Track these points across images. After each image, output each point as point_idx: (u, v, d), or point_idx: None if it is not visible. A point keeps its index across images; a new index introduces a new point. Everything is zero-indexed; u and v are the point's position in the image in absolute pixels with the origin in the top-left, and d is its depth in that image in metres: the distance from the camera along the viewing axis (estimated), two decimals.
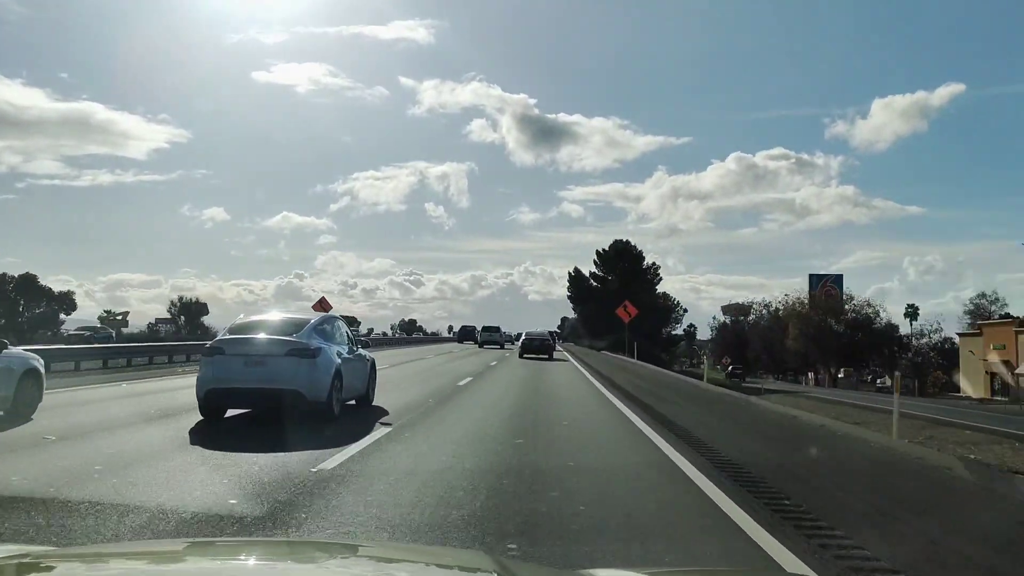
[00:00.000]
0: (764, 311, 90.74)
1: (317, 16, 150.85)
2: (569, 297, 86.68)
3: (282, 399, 10.44)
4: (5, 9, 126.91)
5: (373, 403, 13.34)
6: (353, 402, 12.87)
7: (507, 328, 65.34)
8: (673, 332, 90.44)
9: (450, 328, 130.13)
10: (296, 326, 11.10)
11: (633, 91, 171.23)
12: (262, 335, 10.77)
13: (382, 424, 10.74)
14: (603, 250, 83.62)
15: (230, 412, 11.15)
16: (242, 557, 2.20)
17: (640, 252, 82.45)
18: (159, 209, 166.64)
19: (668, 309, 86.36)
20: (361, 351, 13.22)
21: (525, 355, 35.34)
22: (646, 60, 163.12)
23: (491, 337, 54.85)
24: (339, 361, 11.30)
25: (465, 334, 66.07)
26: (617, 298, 50.07)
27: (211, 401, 10.63)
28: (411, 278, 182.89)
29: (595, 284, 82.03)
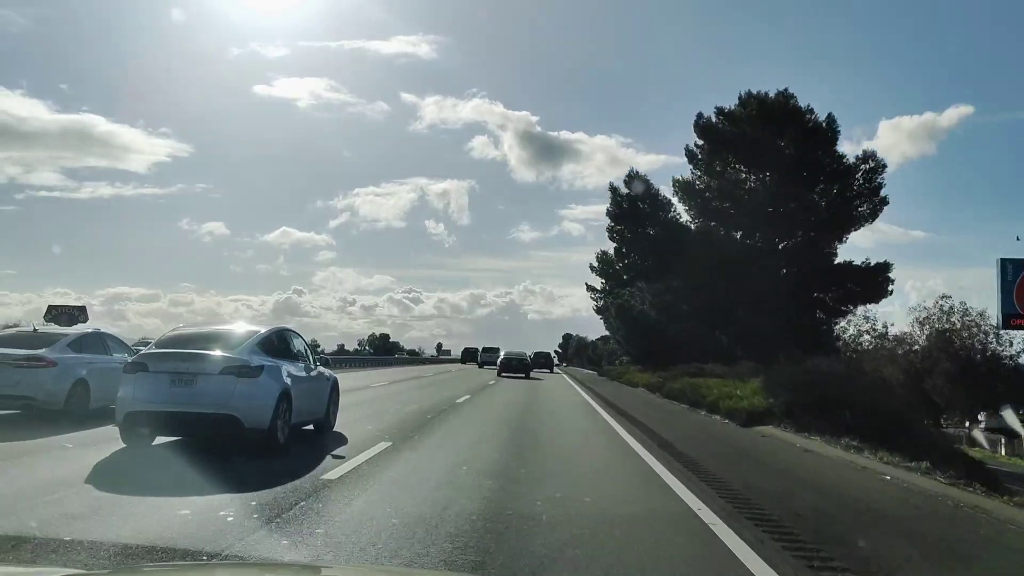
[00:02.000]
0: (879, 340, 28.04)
1: (319, 30, 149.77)
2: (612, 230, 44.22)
3: (215, 426, 8.83)
4: (7, 20, 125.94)
5: (334, 428, 11.75)
6: (312, 427, 11.30)
7: (510, 349, 68.70)
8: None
9: (439, 346, 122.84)
10: (237, 339, 9.49)
11: (637, 110, 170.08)
12: (195, 349, 9.15)
13: (334, 457, 9.12)
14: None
15: (160, 439, 9.54)
16: None
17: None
18: (159, 223, 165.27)
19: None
20: (321, 369, 11.62)
21: (504, 374, 39.06)
22: (650, 79, 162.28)
23: (490, 358, 58.08)
24: (288, 381, 9.68)
25: (468, 355, 67.58)
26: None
27: (132, 426, 9.01)
28: (410, 295, 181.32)
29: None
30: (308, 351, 11.43)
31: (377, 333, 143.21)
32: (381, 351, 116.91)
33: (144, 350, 9.29)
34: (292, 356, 10.47)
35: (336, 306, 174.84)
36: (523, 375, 39.26)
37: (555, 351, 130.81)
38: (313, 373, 11.06)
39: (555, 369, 62.80)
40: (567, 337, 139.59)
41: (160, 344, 9.59)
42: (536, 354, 57.89)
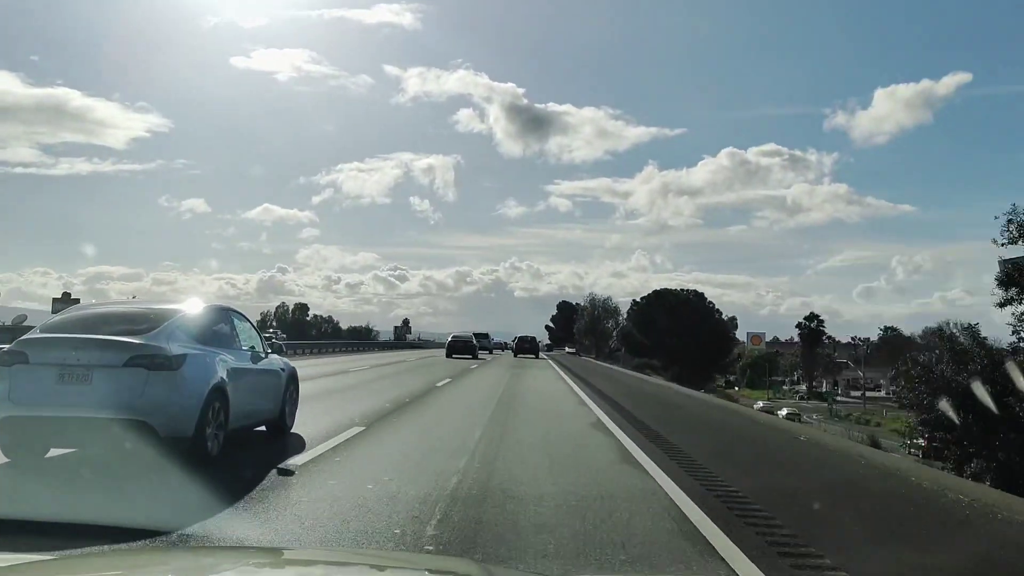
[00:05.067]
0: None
1: None
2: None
3: (117, 435, 6.68)
4: None
5: (291, 430, 9.63)
6: (263, 428, 9.19)
7: (498, 332, 68.20)
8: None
9: (403, 326, 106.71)
10: (153, 321, 7.29)
11: (626, 80, 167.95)
12: (92, 335, 6.95)
13: (281, 473, 7.01)
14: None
15: (55, 450, 7.40)
16: (227, 566, 2.13)
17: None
18: (139, 199, 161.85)
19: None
20: (273, 358, 9.48)
21: (453, 355, 40.78)
22: (640, 49, 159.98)
23: (481, 344, 60.38)
24: (223, 374, 7.54)
25: (457, 347, 44.30)
26: None
27: (10, 435, 6.85)
28: (396, 273, 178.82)
29: None
30: (257, 336, 9.27)
31: (290, 305, 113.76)
32: (296, 333, 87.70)
33: (27, 335, 7.11)
34: (232, 342, 8.31)
35: (321, 284, 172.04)
36: (470, 356, 40.91)
37: (547, 326, 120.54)
38: (261, 363, 8.92)
39: (541, 354, 56.94)
40: (565, 308, 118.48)
41: (47, 328, 7.37)
42: (519, 339, 54.98)
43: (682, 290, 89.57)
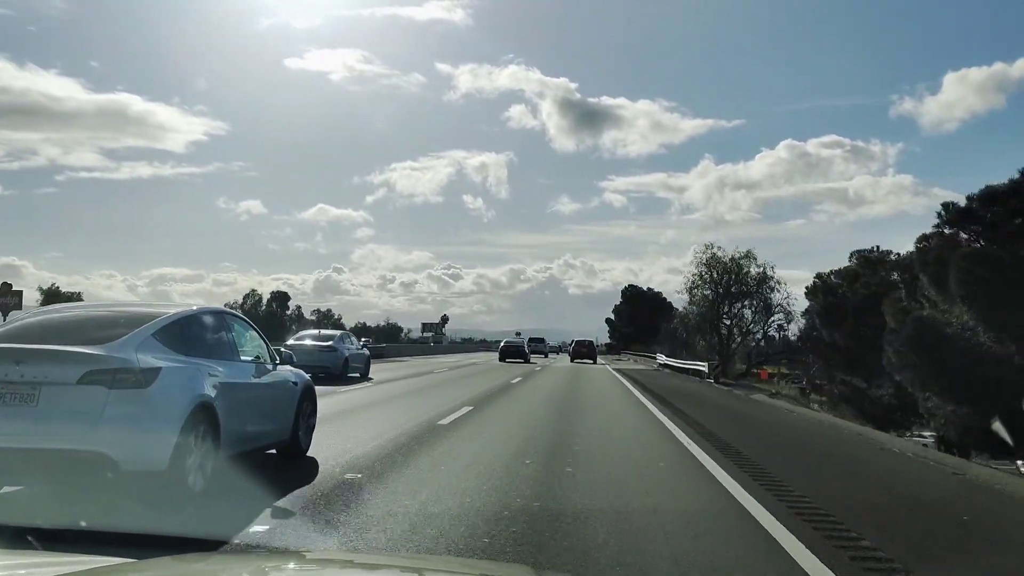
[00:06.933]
0: None
1: None
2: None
3: (71, 469, 5.36)
4: (46, 4, 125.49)
5: (307, 453, 8.27)
6: (274, 451, 7.86)
7: (552, 331, 65.29)
8: None
9: (426, 326, 77.37)
10: (122, 328, 5.96)
11: (681, 71, 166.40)
12: (41, 345, 5.64)
13: (274, 516, 5.62)
14: None
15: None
16: (275, 571, 2.05)
17: None
18: (198, 202, 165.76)
19: None
20: (284, 371, 8.13)
21: (506, 359, 43.14)
22: (695, 38, 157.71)
23: (537, 348, 61.48)
24: (211, 390, 6.18)
25: (510, 352, 45.59)
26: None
27: None
28: (449, 272, 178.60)
29: None
30: (264, 344, 7.93)
31: (264, 295, 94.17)
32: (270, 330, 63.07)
33: None
34: (227, 351, 6.96)
35: (376, 284, 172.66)
36: (521, 360, 43.87)
37: (609, 319, 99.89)
38: (267, 377, 7.57)
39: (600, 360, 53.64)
40: (635, 297, 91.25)
41: None
42: (576, 343, 54.00)
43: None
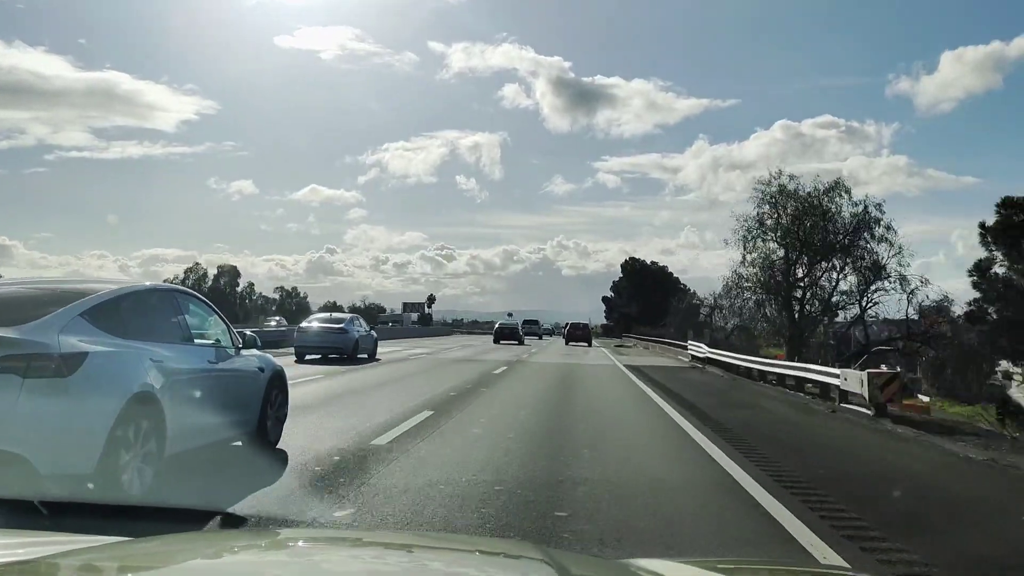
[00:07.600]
0: None
1: None
2: None
3: None
4: None
5: (277, 445, 7.46)
6: (240, 443, 7.05)
7: (546, 312, 64.73)
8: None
9: (406, 306, 77.50)
10: (43, 306, 5.10)
11: (676, 51, 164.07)
12: None
13: (227, 523, 4.80)
14: None
15: None
16: (280, 547, 2.00)
17: None
18: (189, 182, 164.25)
19: None
20: (249, 355, 7.30)
21: (500, 341, 43.63)
22: (690, 17, 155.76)
23: (531, 330, 60.53)
24: (154, 380, 5.35)
25: (504, 334, 45.75)
26: None
27: None
28: (443, 252, 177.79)
29: None
30: (224, 326, 7.08)
31: (209, 270, 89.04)
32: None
33: None
34: (176, 334, 6.11)
35: (369, 264, 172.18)
36: (516, 342, 44.23)
37: (606, 297, 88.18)
38: (226, 362, 6.73)
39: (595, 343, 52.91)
40: (636, 272, 79.92)
41: None
42: (571, 326, 53.23)
43: None
